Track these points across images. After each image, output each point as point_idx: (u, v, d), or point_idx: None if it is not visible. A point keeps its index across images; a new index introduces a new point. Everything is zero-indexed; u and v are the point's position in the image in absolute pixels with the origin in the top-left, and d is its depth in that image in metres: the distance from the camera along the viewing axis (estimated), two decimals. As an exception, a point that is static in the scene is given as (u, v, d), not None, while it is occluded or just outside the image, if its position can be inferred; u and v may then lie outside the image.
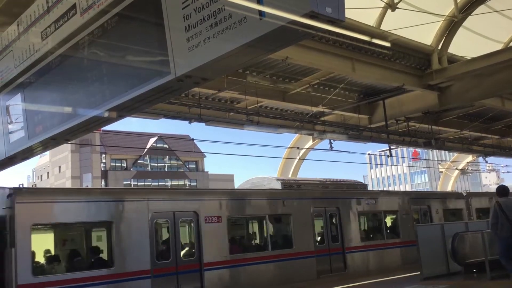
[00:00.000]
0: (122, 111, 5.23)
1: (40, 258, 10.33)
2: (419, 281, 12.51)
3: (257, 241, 14.84)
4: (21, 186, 10.80)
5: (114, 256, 10.93)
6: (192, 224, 12.70)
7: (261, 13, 3.54)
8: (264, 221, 14.17)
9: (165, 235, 12.54)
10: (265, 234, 14.28)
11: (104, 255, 11.21)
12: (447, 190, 34.75)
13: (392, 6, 11.93)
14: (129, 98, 4.77)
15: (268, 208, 14.24)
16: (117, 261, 10.91)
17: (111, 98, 5.04)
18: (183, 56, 4.15)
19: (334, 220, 15.77)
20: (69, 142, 7.46)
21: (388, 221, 18.12)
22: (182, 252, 12.48)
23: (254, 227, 15.12)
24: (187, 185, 67.86)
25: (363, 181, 18.76)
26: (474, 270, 12.91)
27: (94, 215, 11.03)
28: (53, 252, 10.74)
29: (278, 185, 15.77)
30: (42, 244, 10.49)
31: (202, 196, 13.53)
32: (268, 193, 14.85)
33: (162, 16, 4.28)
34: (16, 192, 9.71)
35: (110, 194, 12.42)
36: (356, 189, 17.89)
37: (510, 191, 10.98)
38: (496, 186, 21.21)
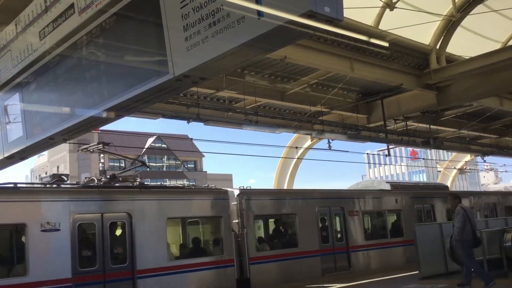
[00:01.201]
0: (121, 110, 5.23)
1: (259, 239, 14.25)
2: (417, 280, 12.53)
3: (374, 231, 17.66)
4: (247, 187, 14.18)
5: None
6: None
7: (259, 13, 3.54)
8: (383, 216, 17.82)
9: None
10: (383, 226, 17.76)
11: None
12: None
13: (390, 5, 11.93)
14: (128, 97, 4.77)
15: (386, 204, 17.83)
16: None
17: (109, 98, 5.03)
18: (181, 55, 4.14)
19: (428, 212, 19.21)
20: (68, 142, 7.45)
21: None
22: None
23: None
24: (186, 185, 67.66)
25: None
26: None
27: None
28: (263, 235, 14.75)
29: (387, 187, 18.80)
30: (258, 229, 14.48)
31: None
32: (380, 192, 18.15)
33: (160, 15, 4.27)
34: (243, 192, 13.50)
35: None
36: (442, 190, 21.80)
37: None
38: (494, 186, 21.01)
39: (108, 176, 12.39)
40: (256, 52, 4.09)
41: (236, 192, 13.42)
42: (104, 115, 5.29)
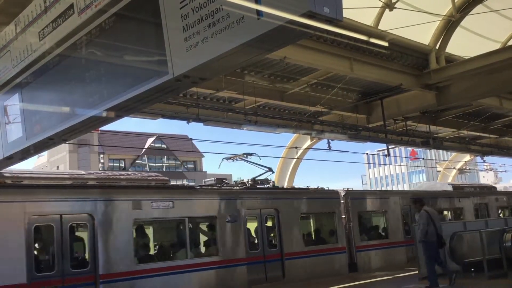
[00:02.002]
0: (120, 111, 5.23)
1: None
2: (417, 280, 12.53)
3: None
4: (350, 189, 17.32)
5: None
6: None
7: (259, 13, 3.54)
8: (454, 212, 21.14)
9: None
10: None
11: None
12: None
13: (390, 5, 11.93)
14: (127, 98, 4.77)
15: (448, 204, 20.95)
16: None
17: (109, 98, 5.03)
18: (181, 56, 4.14)
19: (483, 209, 22.27)
20: (67, 142, 7.46)
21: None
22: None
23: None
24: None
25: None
26: (472, 270, 12.92)
27: None
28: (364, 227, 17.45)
29: (450, 188, 22.55)
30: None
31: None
32: (446, 192, 21.62)
33: (160, 15, 4.27)
34: (348, 193, 16.87)
35: None
36: (491, 190, 25.12)
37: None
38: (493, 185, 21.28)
39: (250, 180, 15.47)
40: (256, 52, 4.09)
41: (342, 193, 16.82)
42: (104, 115, 5.28)
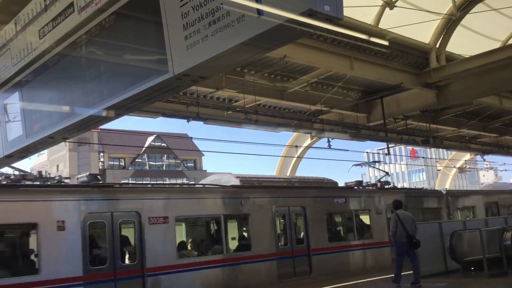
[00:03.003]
0: (120, 109, 5.22)
1: None
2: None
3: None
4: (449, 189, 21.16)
5: None
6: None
7: (259, 11, 3.53)
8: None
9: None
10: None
11: None
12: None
13: (390, 4, 11.93)
14: (127, 96, 4.76)
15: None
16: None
17: (109, 97, 5.02)
18: (181, 54, 4.14)
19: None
20: (67, 141, 7.45)
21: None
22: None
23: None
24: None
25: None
26: (472, 268, 12.93)
27: None
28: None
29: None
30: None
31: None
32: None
33: (160, 14, 4.27)
34: (448, 192, 20.73)
35: None
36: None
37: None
38: (492, 184, 21.52)
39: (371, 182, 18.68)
40: (256, 50, 4.08)
41: (444, 192, 21.02)
42: (104, 114, 5.28)
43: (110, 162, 66.56)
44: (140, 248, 11.26)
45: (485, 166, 33.60)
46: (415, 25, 12.83)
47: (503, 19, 14.58)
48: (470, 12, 13.52)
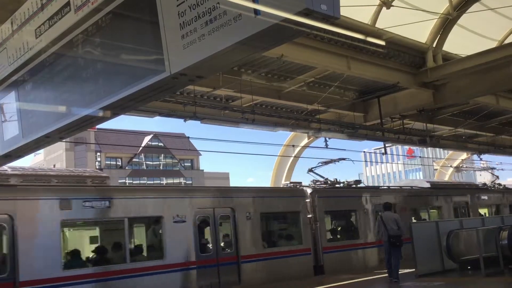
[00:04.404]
0: (117, 109, 5.20)
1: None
2: (414, 278, 12.55)
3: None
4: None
5: None
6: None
7: (256, 11, 3.53)
8: None
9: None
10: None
11: None
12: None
13: (387, 3, 11.94)
14: (124, 96, 4.74)
15: None
16: None
17: (105, 96, 5.00)
18: (178, 53, 4.12)
19: None
20: (64, 141, 7.43)
21: None
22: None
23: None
24: (182, 183, 67.60)
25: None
26: (469, 267, 12.96)
27: None
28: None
29: None
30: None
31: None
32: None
33: (156, 13, 4.25)
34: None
35: None
36: None
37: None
38: (490, 183, 22.13)
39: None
40: (253, 50, 4.07)
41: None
42: (101, 113, 5.26)
43: (107, 162, 66.46)
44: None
45: (481, 165, 33.66)
46: (412, 24, 12.86)
47: (499, 19, 14.62)
48: (467, 11, 13.56)
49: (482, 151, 25.90)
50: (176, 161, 71.26)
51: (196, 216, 12.72)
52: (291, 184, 16.69)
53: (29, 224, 10.15)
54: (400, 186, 21.86)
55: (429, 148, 26.74)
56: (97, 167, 63.32)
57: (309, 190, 15.81)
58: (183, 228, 12.33)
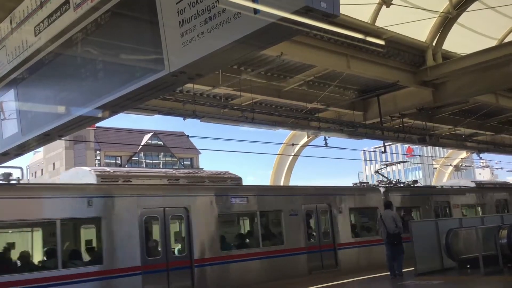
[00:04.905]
0: (116, 107, 5.20)
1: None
2: (413, 276, 12.55)
3: None
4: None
5: None
6: None
7: (255, 9, 3.52)
8: None
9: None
10: None
11: None
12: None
13: (386, 2, 11.92)
14: (123, 94, 4.74)
15: None
16: None
17: (104, 94, 4.99)
18: (177, 51, 4.12)
19: None
20: (63, 139, 7.41)
21: None
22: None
23: None
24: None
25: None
26: (468, 266, 12.95)
27: None
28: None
29: None
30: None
31: None
32: None
33: (156, 10, 4.24)
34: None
35: None
36: None
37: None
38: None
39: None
40: (253, 48, 4.07)
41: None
42: (100, 111, 5.25)
43: (106, 160, 66.43)
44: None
45: (481, 164, 33.70)
46: (412, 23, 12.84)
47: (499, 17, 14.61)
48: (467, 10, 13.53)
49: (482, 150, 25.88)
50: (176, 159, 71.24)
51: (305, 210, 15.28)
52: (363, 184, 19.14)
53: (198, 215, 12.70)
54: (451, 186, 23.68)
55: (428, 147, 26.80)
56: (97, 165, 63.30)
57: (382, 189, 18.47)
58: (296, 220, 14.91)
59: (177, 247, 12.77)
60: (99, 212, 11.13)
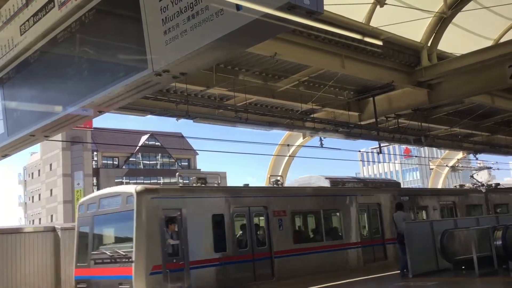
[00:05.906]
0: (101, 106, 5.11)
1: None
2: (408, 277, 12.50)
3: None
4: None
5: None
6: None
7: (238, 5, 3.45)
8: None
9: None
10: None
11: None
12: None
13: (380, 2, 11.87)
14: (107, 93, 4.66)
15: None
16: None
17: (89, 94, 4.91)
18: (160, 49, 4.04)
19: None
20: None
21: None
22: None
23: None
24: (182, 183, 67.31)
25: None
26: (463, 267, 12.91)
27: None
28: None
29: None
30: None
31: None
32: None
33: (139, 7, 4.17)
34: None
35: None
36: None
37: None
38: (487, 183, 22.87)
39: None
40: (237, 45, 4.00)
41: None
42: (85, 111, 5.17)
43: (103, 161, 66.29)
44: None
45: (478, 165, 33.65)
46: (407, 23, 12.78)
47: (494, 18, 14.57)
48: (462, 10, 13.50)
49: (478, 151, 25.85)
50: (173, 160, 71.14)
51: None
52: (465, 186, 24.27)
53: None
54: None
55: (425, 148, 26.79)
56: (94, 166, 63.21)
57: (483, 189, 23.23)
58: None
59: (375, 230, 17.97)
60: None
